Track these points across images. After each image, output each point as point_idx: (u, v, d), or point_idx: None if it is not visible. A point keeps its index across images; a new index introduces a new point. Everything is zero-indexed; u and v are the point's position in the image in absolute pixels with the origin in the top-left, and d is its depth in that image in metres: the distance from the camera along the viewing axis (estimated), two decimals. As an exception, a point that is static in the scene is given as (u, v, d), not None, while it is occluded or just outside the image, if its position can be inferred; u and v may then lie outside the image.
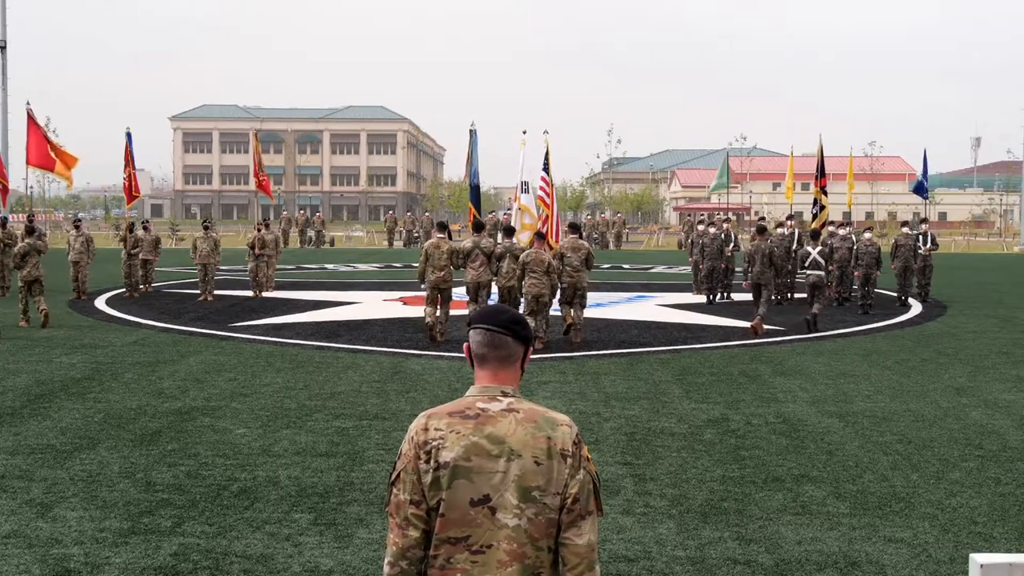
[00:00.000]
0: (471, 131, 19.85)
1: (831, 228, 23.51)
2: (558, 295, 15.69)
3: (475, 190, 19.57)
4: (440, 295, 15.75)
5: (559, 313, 16.64)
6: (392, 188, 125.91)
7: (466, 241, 16.43)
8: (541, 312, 15.13)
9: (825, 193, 25.32)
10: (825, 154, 27.61)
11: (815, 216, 24.55)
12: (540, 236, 15.98)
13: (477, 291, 15.98)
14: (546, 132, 18.72)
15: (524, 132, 19.06)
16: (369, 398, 11.26)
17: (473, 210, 18.91)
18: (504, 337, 2.99)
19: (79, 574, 6.06)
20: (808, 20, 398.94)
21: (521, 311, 15.01)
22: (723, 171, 54.95)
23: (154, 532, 6.78)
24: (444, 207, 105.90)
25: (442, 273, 15.68)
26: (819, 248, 18.14)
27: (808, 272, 17.96)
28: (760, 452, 9.00)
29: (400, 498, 2.90)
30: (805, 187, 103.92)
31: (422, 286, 16.35)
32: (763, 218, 29.20)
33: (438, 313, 15.75)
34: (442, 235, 16.33)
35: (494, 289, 16.41)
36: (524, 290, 15.10)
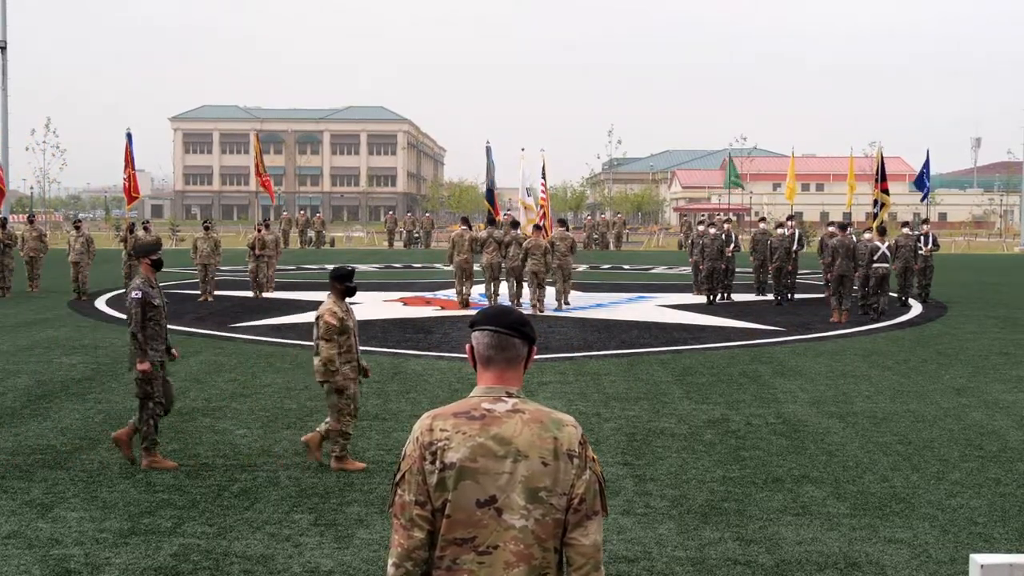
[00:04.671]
0: (487, 147, 25.57)
1: (831, 229, 23.50)
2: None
3: (490, 193, 25.26)
4: (464, 272, 20.50)
5: (555, 314, 19.68)
6: (392, 188, 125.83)
7: (482, 232, 21.91)
8: (540, 285, 19.98)
9: (887, 194, 25.26)
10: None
11: (875, 215, 24.62)
12: (538, 228, 21.49)
13: (491, 270, 20.65)
14: (543, 150, 24.64)
15: (523, 149, 24.79)
16: (369, 399, 11.25)
17: (490, 208, 24.73)
18: (511, 339, 2.98)
19: (79, 574, 6.06)
20: (808, 20, 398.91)
21: (525, 286, 20.61)
22: (730, 171, 55.49)
23: (154, 532, 6.79)
24: (444, 207, 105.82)
25: (465, 256, 20.46)
26: (887, 243, 19.77)
27: (876, 265, 19.32)
28: (760, 453, 9.01)
29: (405, 499, 2.89)
30: (805, 187, 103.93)
31: (449, 266, 21.51)
32: (763, 218, 29.15)
33: (464, 289, 20.50)
34: (465, 227, 21.46)
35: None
36: (527, 268, 20.02)
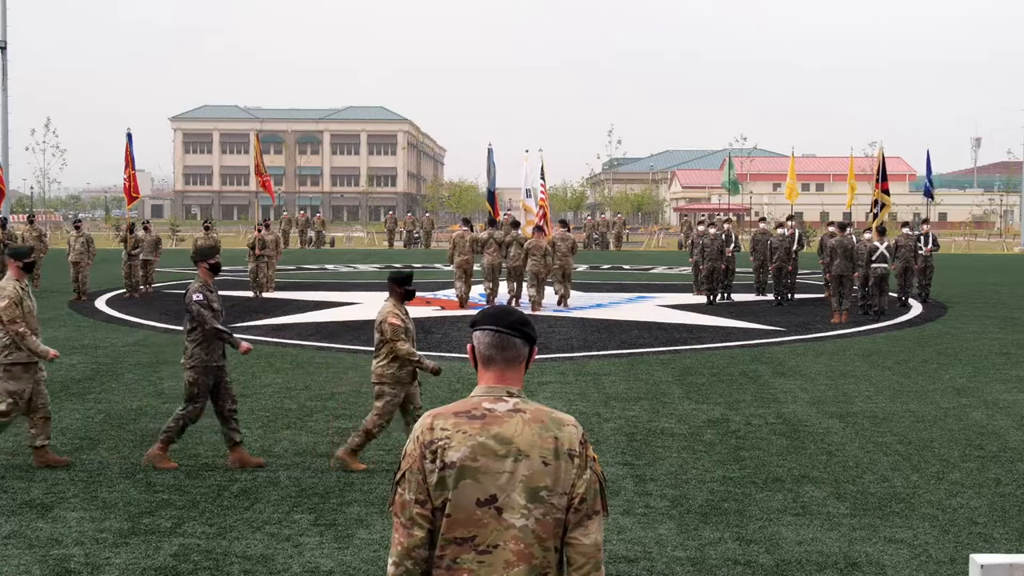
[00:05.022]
0: (489, 149, 26.64)
1: (831, 229, 23.52)
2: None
3: (491, 194, 26.36)
4: (465, 273, 20.95)
5: (555, 313, 19.34)
6: (392, 189, 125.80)
7: (483, 233, 22.31)
8: (540, 284, 20.52)
9: (887, 194, 25.16)
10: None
11: (875, 216, 24.56)
12: (539, 229, 21.87)
13: (492, 271, 21.20)
14: (541, 150, 25.34)
15: (527, 151, 25.28)
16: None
17: (491, 208, 25.86)
18: (512, 338, 2.99)
19: (79, 574, 6.06)
20: (808, 20, 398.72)
21: (524, 284, 20.98)
22: (727, 173, 55.55)
23: (154, 533, 6.79)
24: (444, 208, 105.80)
25: (466, 256, 20.97)
26: (886, 243, 20.00)
27: (875, 265, 19.52)
28: (760, 453, 9.01)
29: (405, 497, 2.89)
30: (805, 187, 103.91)
31: (450, 266, 21.80)
32: (763, 219, 29.17)
33: (464, 288, 20.94)
34: (466, 228, 22.03)
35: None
36: (527, 268, 20.51)
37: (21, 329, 8.22)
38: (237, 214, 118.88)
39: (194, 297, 8.42)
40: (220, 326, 8.49)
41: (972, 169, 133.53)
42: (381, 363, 8.32)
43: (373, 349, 8.48)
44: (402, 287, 8.36)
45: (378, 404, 8.37)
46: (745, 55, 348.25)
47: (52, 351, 8.49)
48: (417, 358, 8.30)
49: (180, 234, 56.18)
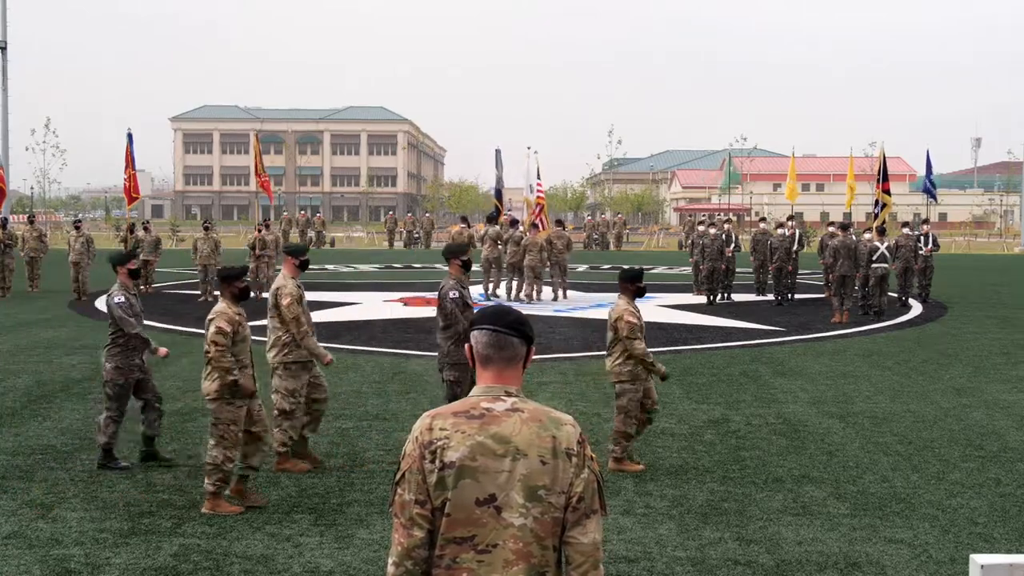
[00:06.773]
0: (497, 151, 28.97)
1: (831, 229, 23.51)
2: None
3: (498, 193, 28.64)
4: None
5: (555, 314, 19.32)
6: (392, 189, 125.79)
7: (482, 230, 24.09)
8: (536, 279, 21.95)
9: (889, 194, 25.03)
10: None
11: (876, 215, 24.46)
12: (535, 226, 23.43)
13: (490, 266, 22.54)
14: (536, 152, 26.67)
15: (528, 147, 26.36)
16: (369, 399, 11.27)
17: (497, 204, 27.63)
18: (510, 338, 2.99)
19: (79, 574, 6.06)
20: (808, 20, 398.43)
21: (524, 281, 22.13)
22: (727, 173, 55.39)
23: (154, 533, 6.79)
24: (444, 208, 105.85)
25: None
26: (886, 243, 20.21)
27: (875, 265, 19.63)
28: (760, 453, 9.01)
29: (405, 498, 2.90)
30: (806, 187, 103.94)
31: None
32: (764, 219, 29.19)
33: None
34: (464, 225, 24.96)
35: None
36: (524, 263, 21.89)
37: (304, 328, 8.20)
38: (237, 214, 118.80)
39: (451, 295, 8.40)
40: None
41: (972, 169, 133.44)
42: (617, 361, 8.34)
43: (606, 348, 8.49)
44: (634, 284, 8.38)
45: (620, 403, 8.38)
46: (745, 55, 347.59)
47: (328, 356, 8.34)
48: (651, 359, 8.29)
49: (180, 234, 56.18)
